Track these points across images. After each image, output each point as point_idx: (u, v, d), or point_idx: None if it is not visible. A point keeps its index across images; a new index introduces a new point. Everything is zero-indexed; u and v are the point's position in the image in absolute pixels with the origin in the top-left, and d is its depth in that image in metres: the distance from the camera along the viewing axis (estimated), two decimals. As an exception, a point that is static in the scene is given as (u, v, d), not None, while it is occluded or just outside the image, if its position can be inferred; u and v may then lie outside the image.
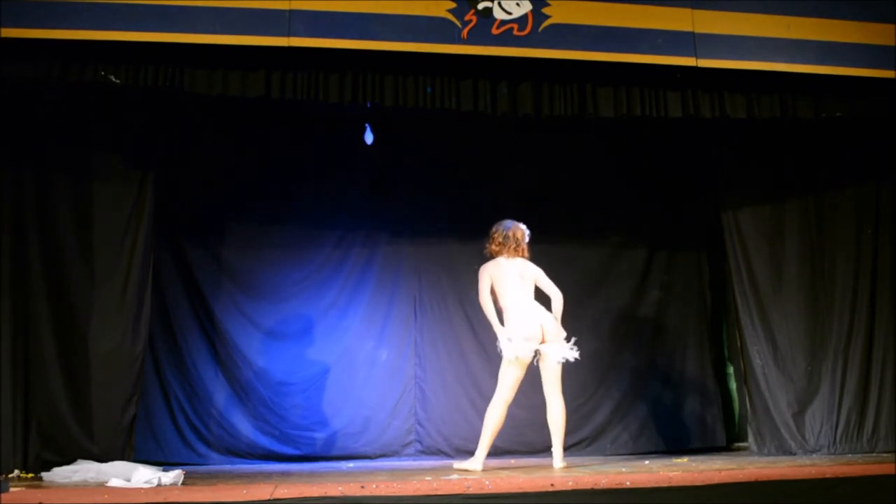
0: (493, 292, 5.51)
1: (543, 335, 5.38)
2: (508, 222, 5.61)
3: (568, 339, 5.43)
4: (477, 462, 5.32)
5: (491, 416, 5.38)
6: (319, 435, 6.47)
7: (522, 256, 5.57)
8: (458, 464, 5.43)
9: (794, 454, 6.02)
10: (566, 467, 5.32)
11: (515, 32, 5.19)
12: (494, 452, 5.80)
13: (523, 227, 5.62)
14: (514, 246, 5.53)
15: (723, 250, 6.48)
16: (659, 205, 7.10)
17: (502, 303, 5.50)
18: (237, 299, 6.53)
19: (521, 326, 5.36)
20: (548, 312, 5.46)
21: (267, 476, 5.12)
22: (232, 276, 6.56)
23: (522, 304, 5.43)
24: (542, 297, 5.58)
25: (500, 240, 5.56)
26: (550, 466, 5.41)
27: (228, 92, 5.11)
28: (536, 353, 5.37)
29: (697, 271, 7.14)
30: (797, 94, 5.64)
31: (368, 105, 5.73)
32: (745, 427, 6.55)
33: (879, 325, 6.22)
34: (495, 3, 5.19)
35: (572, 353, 5.41)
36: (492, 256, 5.59)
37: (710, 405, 6.92)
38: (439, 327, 6.77)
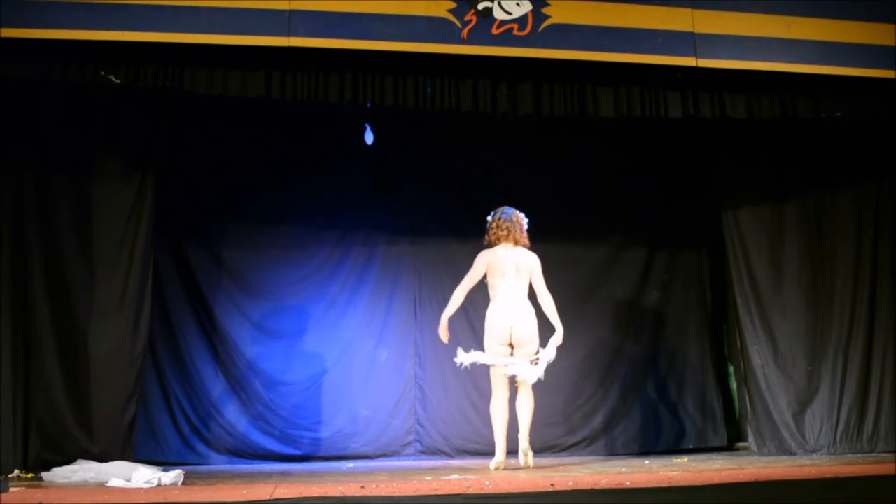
0: (487, 282, 5.45)
1: (512, 338, 5.30)
2: (507, 208, 5.54)
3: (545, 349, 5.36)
4: (497, 457, 5.27)
5: (491, 414, 5.38)
6: (319, 435, 6.47)
7: (519, 244, 5.47)
8: (492, 463, 5.33)
9: (794, 454, 6.02)
10: (529, 465, 5.25)
11: (515, 32, 5.19)
12: (494, 452, 5.78)
13: (521, 214, 5.54)
14: (505, 234, 5.43)
15: (723, 250, 6.48)
16: (659, 205, 7.10)
17: (492, 293, 5.45)
18: (237, 299, 6.54)
19: (490, 325, 5.34)
20: (530, 316, 5.35)
21: (267, 476, 5.12)
22: (232, 276, 6.56)
23: (506, 301, 5.35)
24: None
25: (495, 226, 5.48)
26: (551, 466, 5.42)
27: (228, 92, 5.11)
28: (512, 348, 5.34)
29: (697, 271, 7.13)
30: (797, 94, 5.64)
31: (368, 105, 5.73)
32: (745, 427, 6.55)
33: (879, 325, 6.21)
34: (495, 3, 5.19)
35: (526, 370, 5.28)
36: (490, 245, 5.53)
37: (710, 405, 6.92)
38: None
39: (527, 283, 5.44)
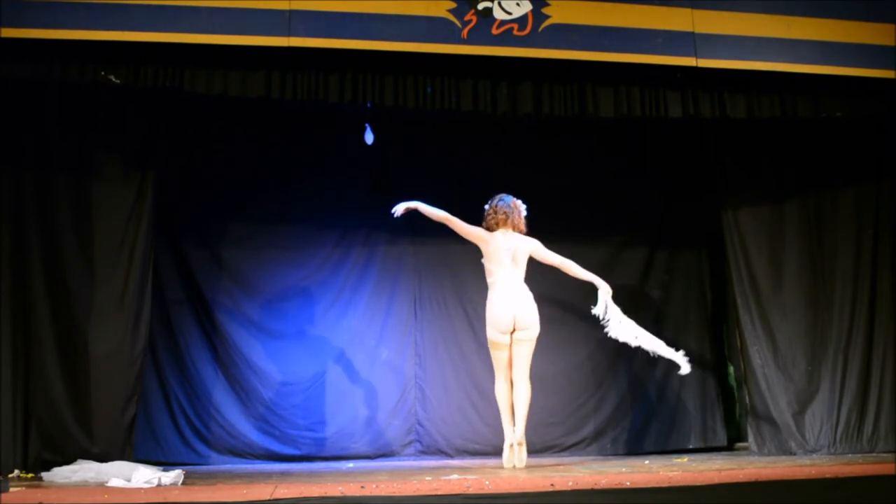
0: (484, 267, 5.53)
1: (515, 324, 5.36)
2: (506, 196, 5.61)
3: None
4: (506, 444, 5.41)
5: (496, 396, 5.50)
6: (319, 435, 6.47)
7: (517, 230, 5.55)
8: (504, 455, 5.46)
9: (794, 454, 6.01)
10: (522, 460, 5.31)
11: (515, 32, 5.19)
12: (494, 452, 5.80)
13: (519, 201, 5.61)
14: (504, 219, 5.50)
15: (723, 250, 6.48)
16: (659, 205, 7.09)
17: (489, 279, 5.51)
18: (237, 299, 6.54)
19: (493, 314, 5.38)
20: (531, 301, 5.41)
21: (267, 476, 5.12)
22: (232, 276, 6.56)
23: (506, 288, 5.40)
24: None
25: (493, 212, 5.54)
26: (551, 466, 5.43)
27: (228, 92, 5.11)
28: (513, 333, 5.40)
29: (697, 271, 7.13)
30: (797, 94, 5.64)
31: (368, 105, 5.73)
32: (745, 427, 6.55)
33: (879, 325, 6.21)
34: (495, 3, 5.19)
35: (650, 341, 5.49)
36: (489, 230, 5.59)
37: (710, 405, 6.91)
38: (439, 327, 6.77)
39: (524, 268, 5.50)
